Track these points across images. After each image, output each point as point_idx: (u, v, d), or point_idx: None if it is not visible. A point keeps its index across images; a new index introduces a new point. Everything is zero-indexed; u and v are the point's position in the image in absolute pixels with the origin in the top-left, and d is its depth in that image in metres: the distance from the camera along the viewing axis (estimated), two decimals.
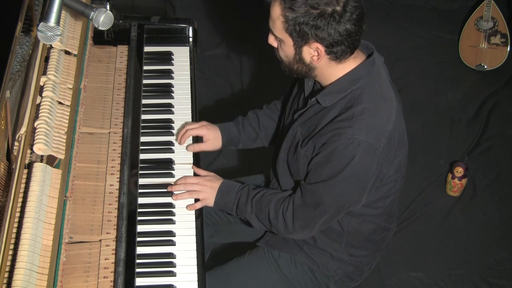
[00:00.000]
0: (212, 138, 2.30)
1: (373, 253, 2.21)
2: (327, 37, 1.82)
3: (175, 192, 2.13)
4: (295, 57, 1.91)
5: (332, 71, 1.93)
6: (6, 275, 1.61)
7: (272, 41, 1.95)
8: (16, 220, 1.70)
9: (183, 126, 2.30)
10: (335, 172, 1.90)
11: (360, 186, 1.94)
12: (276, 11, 1.86)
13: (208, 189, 2.14)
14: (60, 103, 2.01)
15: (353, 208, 2.01)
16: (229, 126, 2.34)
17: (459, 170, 3.30)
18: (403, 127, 2.01)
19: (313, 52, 1.88)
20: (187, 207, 2.10)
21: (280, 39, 1.90)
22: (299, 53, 1.89)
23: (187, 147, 2.26)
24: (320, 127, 1.95)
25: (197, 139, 2.29)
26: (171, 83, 2.47)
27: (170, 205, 2.11)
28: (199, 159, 2.27)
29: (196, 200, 2.13)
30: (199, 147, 2.28)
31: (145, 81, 2.45)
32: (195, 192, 2.13)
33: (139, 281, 1.88)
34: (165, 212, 2.09)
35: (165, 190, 2.14)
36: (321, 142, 1.92)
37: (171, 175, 2.19)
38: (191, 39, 2.64)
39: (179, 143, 2.26)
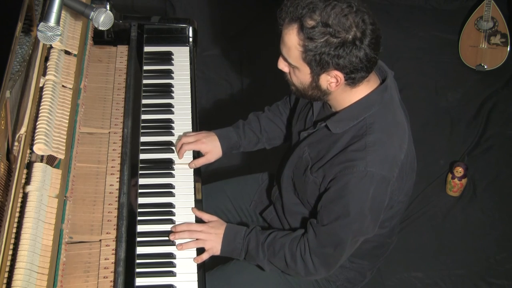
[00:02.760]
0: (210, 150, 2.25)
1: (374, 262, 2.21)
2: (348, 64, 1.76)
3: (178, 241, 2.01)
4: (311, 84, 1.85)
5: (346, 96, 1.88)
6: (6, 275, 1.61)
7: (282, 66, 1.89)
8: (16, 220, 1.70)
9: (179, 138, 2.26)
10: (351, 208, 1.84)
11: (375, 217, 1.91)
12: (293, 40, 1.78)
13: (213, 237, 2.04)
14: (60, 103, 2.01)
15: (368, 236, 1.98)
16: (228, 133, 2.29)
17: (459, 170, 3.30)
18: (413, 153, 1.97)
19: (331, 79, 1.82)
20: (194, 259, 1.98)
21: (295, 66, 1.84)
22: (316, 81, 1.83)
23: (189, 164, 2.22)
24: (330, 155, 1.90)
25: (198, 152, 2.26)
26: (171, 83, 2.47)
27: (170, 205, 2.11)
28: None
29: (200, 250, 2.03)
30: (199, 162, 2.23)
31: (145, 81, 2.45)
32: (201, 241, 2.02)
33: (139, 281, 1.88)
34: (165, 212, 2.08)
35: (165, 190, 2.14)
36: (332, 174, 1.87)
37: (171, 175, 2.19)
38: (191, 39, 2.64)
39: (179, 158, 2.22)
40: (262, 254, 2.03)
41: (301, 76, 1.85)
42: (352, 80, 1.81)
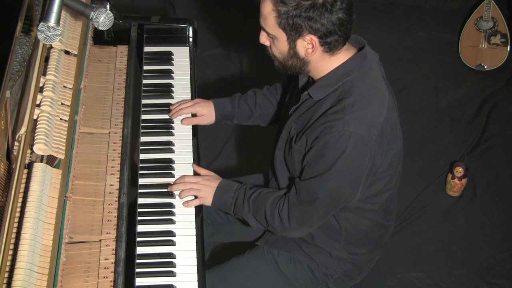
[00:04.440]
0: (206, 113, 2.35)
1: (372, 250, 2.21)
2: (321, 27, 1.84)
3: (175, 192, 2.13)
4: (289, 52, 1.92)
5: (325, 64, 1.94)
6: (6, 275, 1.61)
7: (264, 40, 1.96)
8: (16, 220, 1.70)
9: (177, 103, 2.35)
10: (328, 166, 1.90)
11: (354, 179, 1.94)
12: (267, 8, 1.86)
13: (207, 188, 2.14)
14: (61, 103, 2.01)
15: (348, 202, 2.01)
16: (224, 102, 2.39)
17: (459, 170, 3.30)
18: (395, 120, 2.01)
19: (307, 45, 1.88)
20: (184, 203, 2.11)
21: (273, 36, 1.91)
22: (293, 47, 1.90)
23: (181, 121, 2.32)
24: (312, 121, 1.96)
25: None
26: (171, 83, 2.47)
27: (170, 205, 2.11)
28: (199, 159, 2.27)
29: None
30: (193, 121, 2.33)
31: (145, 81, 2.45)
32: (194, 190, 2.13)
33: (139, 281, 1.88)
34: (165, 212, 2.08)
35: (165, 190, 2.14)
36: (313, 136, 1.93)
37: (171, 175, 2.19)
38: (191, 39, 2.64)
39: (171, 118, 2.32)
40: (247, 208, 2.10)
41: (279, 45, 1.92)
42: (328, 45, 1.88)
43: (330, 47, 1.89)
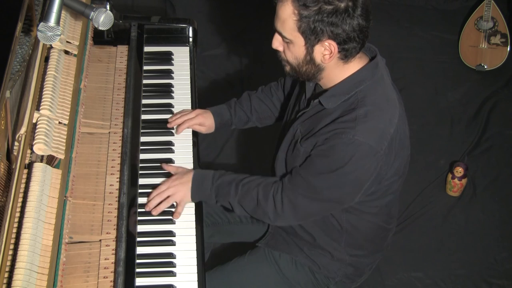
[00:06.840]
0: (207, 124, 2.34)
1: (373, 253, 2.21)
2: (341, 33, 1.81)
3: (152, 207, 2.07)
4: (305, 58, 1.89)
5: (338, 72, 1.92)
6: (6, 275, 1.61)
7: (277, 45, 1.92)
8: (16, 220, 1.70)
9: (178, 113, 2.33)
10: (331, 169, 1.89)
11: (356, 185, 1.93)
12: (287, 11, 1.83)
13: (180, 187, 2.07)
14: (60, 102, 2.01)
15: (345, 205, 2.01)
16: (222, 110, 2.37)
17: (459, 170, 3.30)
18: (405, 130, 2.00)
19: (324, 51, 1.85)
20: (173, 216, 2.05)
21: (289, 40, 1.87)
22: (310, 53, 1.87)
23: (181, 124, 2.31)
24: (321, 126, 1.94)
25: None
26: (171, 83, 2.47)
27: (170, 205, 2.10)
28: (199, 159, 2.27)
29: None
30: (194, 127, 2.33)
31: (145, 81, 2.45)
32: (170, 198, 2.07)
33: (139, 281, 1.88)
34: (165, 212, 2.08)
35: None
36: (323, 138, 1.91)
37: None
38: (191, 39, 2.64)
39: (176, 133, 2.30)
40: (234, 191, 2.05)
41: (296, 50, 1.88)
42: (345, 51, 1.86)
43: (347, 54, 1.87)
